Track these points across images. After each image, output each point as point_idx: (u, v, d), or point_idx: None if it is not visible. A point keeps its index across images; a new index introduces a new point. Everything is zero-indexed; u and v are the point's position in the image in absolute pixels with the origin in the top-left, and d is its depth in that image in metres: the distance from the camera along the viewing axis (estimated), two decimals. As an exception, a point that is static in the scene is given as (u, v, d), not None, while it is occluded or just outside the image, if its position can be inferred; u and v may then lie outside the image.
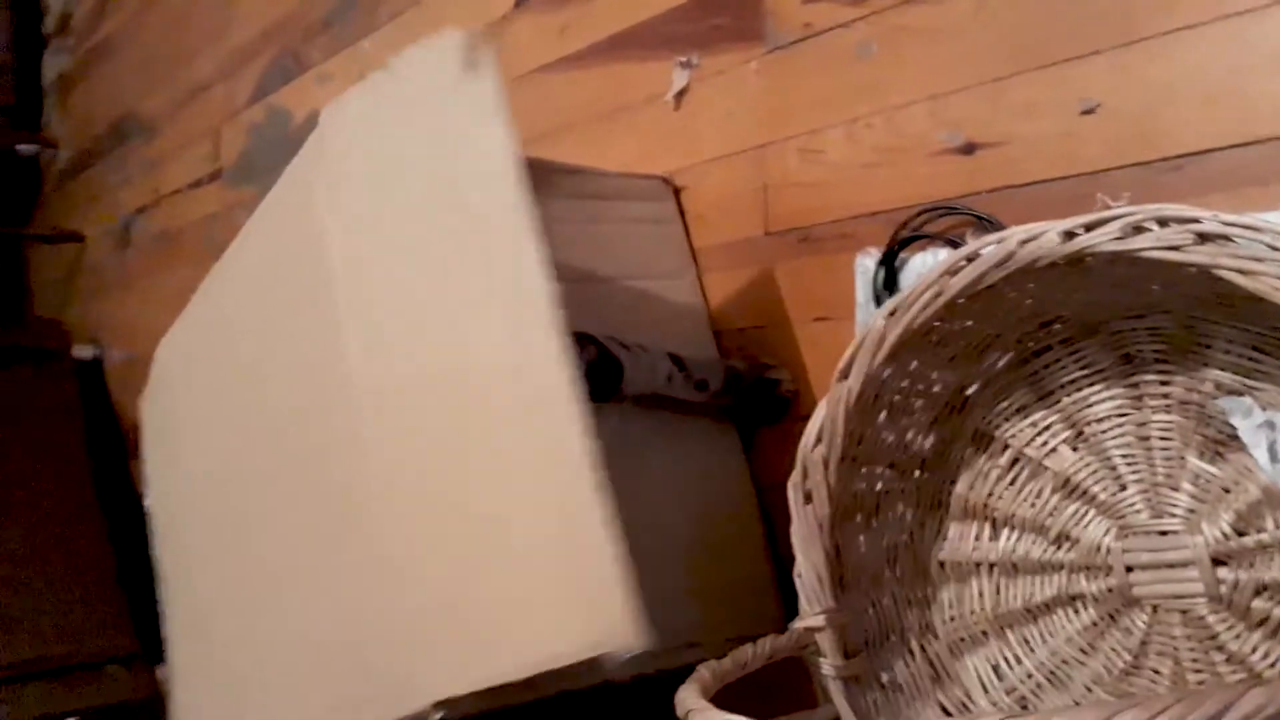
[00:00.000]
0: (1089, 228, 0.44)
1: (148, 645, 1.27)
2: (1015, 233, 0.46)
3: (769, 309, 0.73)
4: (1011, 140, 0.60)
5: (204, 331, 0.82)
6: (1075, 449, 0.54)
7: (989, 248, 0.47)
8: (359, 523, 0.60)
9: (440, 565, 0.55)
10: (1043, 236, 0.45)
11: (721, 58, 0.76)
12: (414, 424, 0.56)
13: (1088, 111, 0.58)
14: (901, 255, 0.62)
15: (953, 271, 0.47)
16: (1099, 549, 0.53)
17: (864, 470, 0.56)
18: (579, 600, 0.50)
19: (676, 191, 0.79)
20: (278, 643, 0.72)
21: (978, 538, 0.57)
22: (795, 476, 0.52)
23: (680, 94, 0.79)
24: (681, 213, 0.79)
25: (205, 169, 1.51)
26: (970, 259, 0.47)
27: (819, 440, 0.51)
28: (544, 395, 0.51)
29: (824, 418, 0.51)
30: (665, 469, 0.69)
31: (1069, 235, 0.44)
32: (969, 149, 0.62)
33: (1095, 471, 0.53)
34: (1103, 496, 0.53)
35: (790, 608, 0.71)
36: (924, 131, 0.64)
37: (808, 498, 0.52)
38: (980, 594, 0.57)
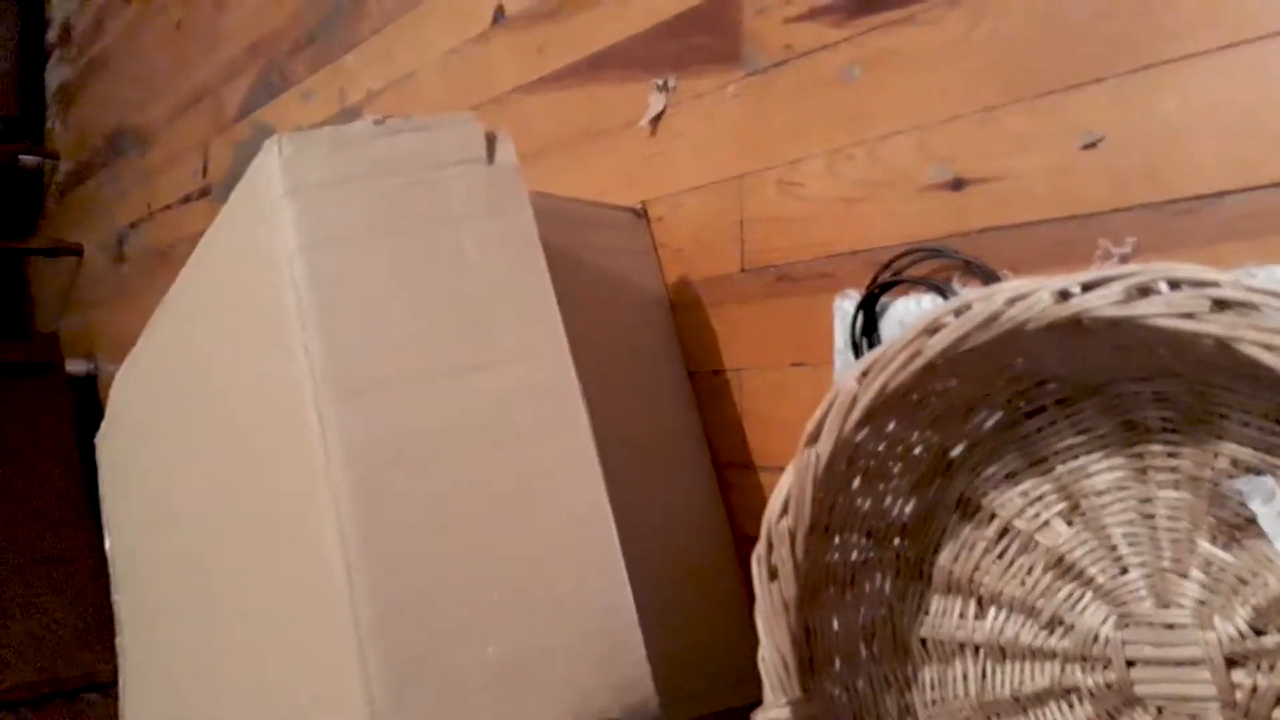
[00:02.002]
0: (1087, 288, 0.39)
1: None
2: (1002, 290, 0.41)
3: (745, 352, 0.68)
4: (1005, 176, 0.55)
5: (156, 366, 0.78)
6: (1070, 523, 0.49)
7: (973, 306, 0.42)
8: (327, 579, 0.55)
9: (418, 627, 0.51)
10: (1033, 296, 0.40)
11: (699, 80, 0.71)
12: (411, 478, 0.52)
13: (1089, 146, 0.52)
14: (883, 299, 0.57)
15: (932, 330, 0.42)
16: (1096, 638, 0.47)
17: (837, 539, 0.50)
18: (597, 661, 0.50)
19: (649, 223, 0.75)
20: (226, 700, 0.68)
21: (962, 615, 0.52)
22: (759, 549, 0.47)
23: (657, 118, 0.75)
24: (655, 245, 0.74)
25: (195, 184, 1.48)
26: (955, 315, 0.42)
27: (785, 511, 0.46)
28: (562, 452, 0.52)
29: (790, 486, 0.46)
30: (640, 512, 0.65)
31: (1063, 296, 0.39)
32: (958, 184, 0.57)
33: (1093, 550, 0.48)
34: (1101, 579, 0.47)
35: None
36: (910, 164, 0.59)
37: (773, 574, 0.47)
38: (965, 677, 0.52)
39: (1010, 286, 0.42)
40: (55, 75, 2.07)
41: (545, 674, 0.51)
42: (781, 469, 0.67)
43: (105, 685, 1.33)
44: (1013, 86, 0.55)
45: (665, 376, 0.71)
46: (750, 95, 0.68)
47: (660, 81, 0.74)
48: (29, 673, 1.29)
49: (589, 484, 0.54)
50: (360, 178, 0.56)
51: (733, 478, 0.69)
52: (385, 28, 1.06)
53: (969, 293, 0.42)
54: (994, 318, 0.41)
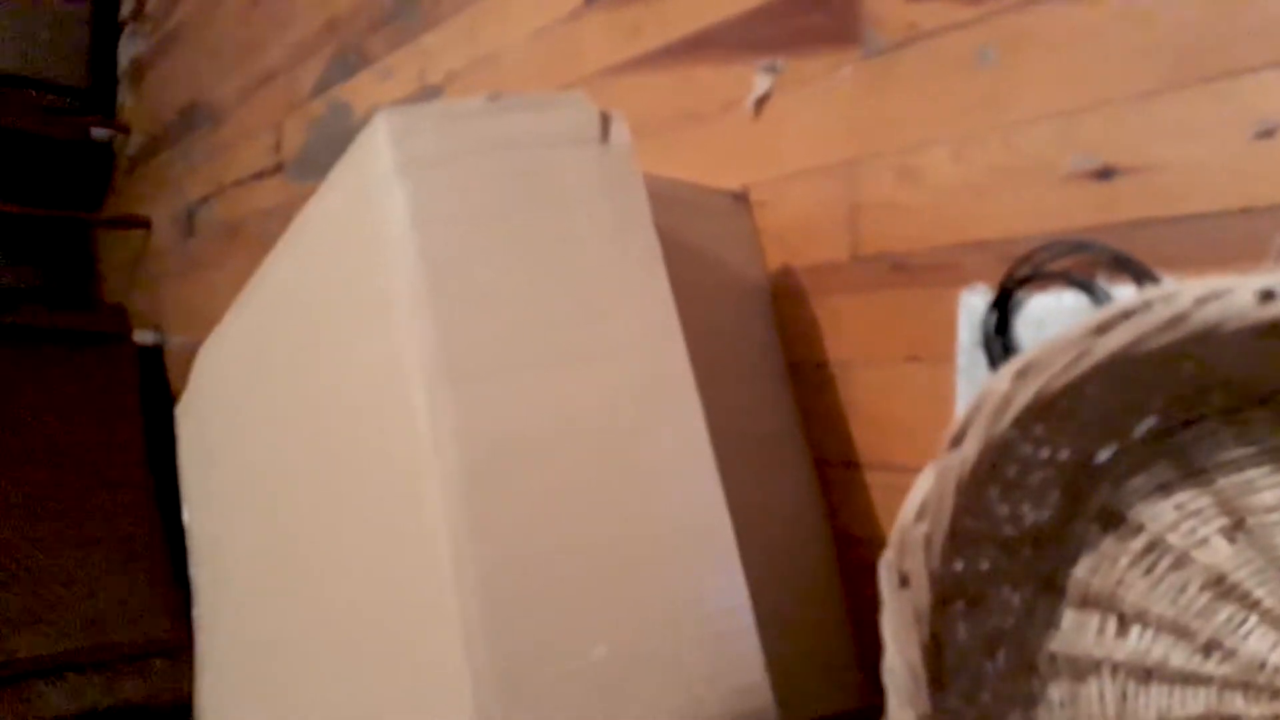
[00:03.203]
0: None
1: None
2: (1189, 288, 0.38)
3: (853, 344, 0.65)
4: (1161, 166, 0.51)
5: (245, 343, 0.77)
6: (1233, 541, 0.45)
7: (1154, 305, 0.38)
8: (433, 572, 0.53)
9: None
10: (1228, 297, 0.37)
11: (811, 62, 0.68)
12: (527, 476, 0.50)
13: (1264, 134, 0.48)
14: (1017, 295, 0.54)
15: (1103, 329, 0.39)
16: (1263, 666, 0.44)
17: (969, 549, 0.48)
18: (712, 666, 0.48)
19: (751, 208, 0.72)
20: (314, 686, 0.67)
21: (1100, 631, 0.49)
22: (889, 555, 0.44)
23: (761, 100, 0.72)
24: (756, 231, 0.72)
25: (268, 161, 1.48)
26: (1127, 315, 0.39)
27: (921, 515, 0.43)
28: (677, 447, 0.50)
29: (929, 490, 0.43)
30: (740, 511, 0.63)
31: (1268, 297, 0.36)
32: (1105, 174, 0.53)
33: (1260, 571, 0.44)
34: (1269, 602, 0.44)
35: (873, 678, 0.63)
36: (1049, 152, 0.55)
37: (904, 581, 0.44)
38: (1101, 697, 0.49)
39: (1199, 285, 0.38)
40: (128, 49, 2.09)
41: (657, 677, 0.49)
42: (890, 468, 0.64)
43: (173, 651, 1.34)
44: (1174, 70, 0.51)
45: (765, 368, 0.69)
46: (867, 78, 0.65)
47: (767, 63, 0.71)
48: (95, 636, 1.31)
49: (705, 482, 0.52)
50: (472, 156, 0.54)
51: (834, 476, 0.66)
52: (468, 6, 1.04)
53: (1148, 291, 0.39)
54: (1180, 318, 0.38)
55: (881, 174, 0.64)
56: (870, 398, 0.64)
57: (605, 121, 0.56)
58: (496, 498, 0.49)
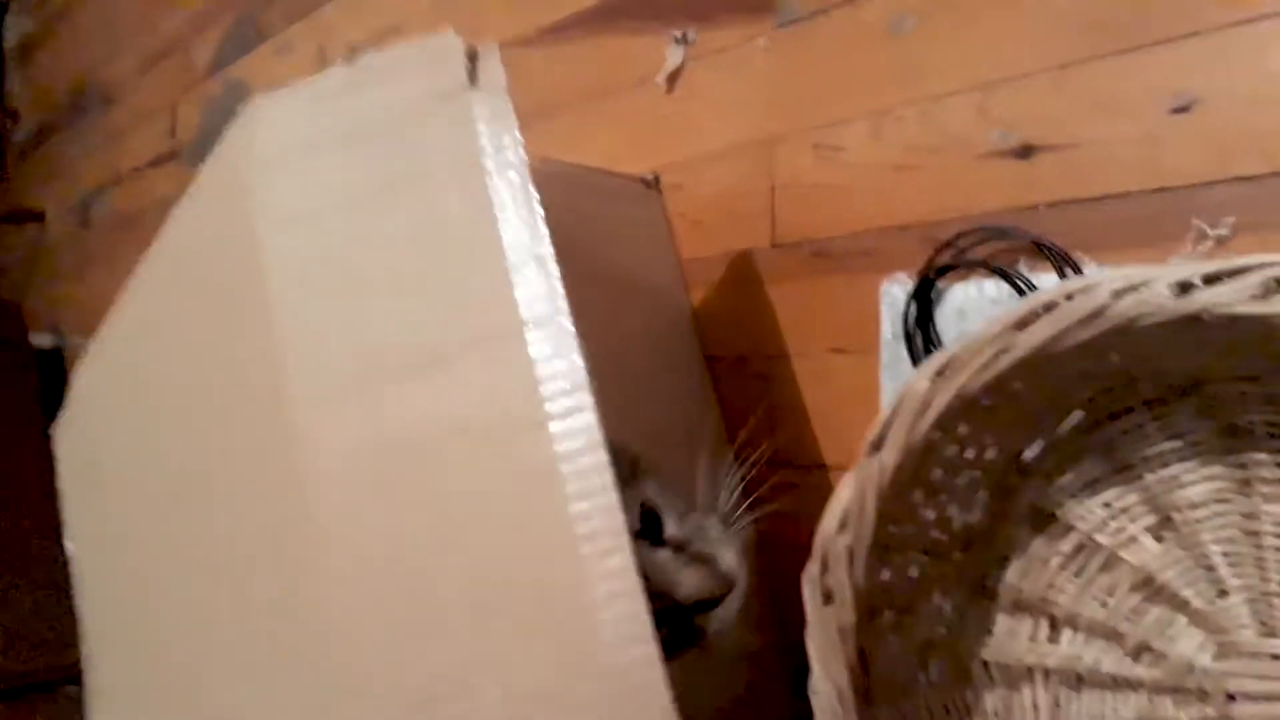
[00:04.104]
0: (1211, 279, 0.33)
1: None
2: (1106, 279, 0.35)
3: (774, 336, 0.62)
4: (1080, 143, 0.49)
5: (124, 353, 0.71)
6: (1160, 539, 0.43)
7: (1072, 297, 0.36)
8: (314, 611, 0.48)
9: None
10: (1145, 288, 0.34)
11: (723, 32, 0.64)
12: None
13: (1180, 109, 0.46)
14: (938, 285, 0.51)
15: (1022, 324, 0.36)
16: (1191, 669, 0.42)
17: (896, 557, 0.45)
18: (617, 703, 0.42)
19: (661, 193, 0.68)
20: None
21: (1033, 637, 0.47)
22: (812, 569, 0.41)
23: (674, 75, 0.67)
24: (668, 217, 0.68)
25: (164, 146, 1.39)
26: (1046, 308, 0.36)
27: (843, 526, 0.40)
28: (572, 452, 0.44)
29: (850, 499, 0.40)
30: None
31: (1184, 289, 0.33)
32: (1025, 152, 0.51)
33: (1187, 570, 0.43)
34: (1197, 603, 0.42)
35: (796, 672, 0.60)
36: (969, 128, 0.52)
37: (827, 597, 0.41)
38: (1035, 705, 0.47)
39: (1116, 276, 0.36)
40: (14, 28, 1.95)
41: (557, 717, 0.45)
42: (816, 467, 0.61)
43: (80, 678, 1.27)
44: (1092, 41, 0.48)
45: (679, 363, 0.65)
46: (783, 48, 0.61)
47: (678, 33, 0.67)
48: (2, 663, 1.23)
49: (600, 490, 0.48)
50: (337, 141, 0.48)
51: (757, 476, 0.63)
52: (368, -25, 0.97)
53: (1067, 283, 0.37)
54: (1098, 313, 0.35)
55: (800, 153, 0.60)
56: (794, 392, 0.61)
57: (473, 60, 0.49)
58: (377, 519, 0.45)
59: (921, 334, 0.50)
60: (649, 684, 0.43)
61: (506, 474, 0.46)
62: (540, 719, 0.43)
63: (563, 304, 0.47)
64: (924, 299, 0.51)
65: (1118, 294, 0.35)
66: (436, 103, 0.48)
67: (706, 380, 0.65)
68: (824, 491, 0.60)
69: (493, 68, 0.48)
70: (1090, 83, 0.49)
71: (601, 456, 0.46)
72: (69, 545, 0.80)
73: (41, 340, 1.62)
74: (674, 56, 0.67)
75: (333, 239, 0.47)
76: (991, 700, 0.47)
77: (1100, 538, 0.45)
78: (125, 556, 0.73)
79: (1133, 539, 0.44)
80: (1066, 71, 0.49)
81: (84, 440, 0.79)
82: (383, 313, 0.46)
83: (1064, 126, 0.49)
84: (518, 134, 0.48)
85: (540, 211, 0.48)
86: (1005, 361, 0.37)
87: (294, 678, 0.51)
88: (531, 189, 0.48)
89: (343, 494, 0.45)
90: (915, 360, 0.51)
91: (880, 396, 0.54)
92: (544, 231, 0.47)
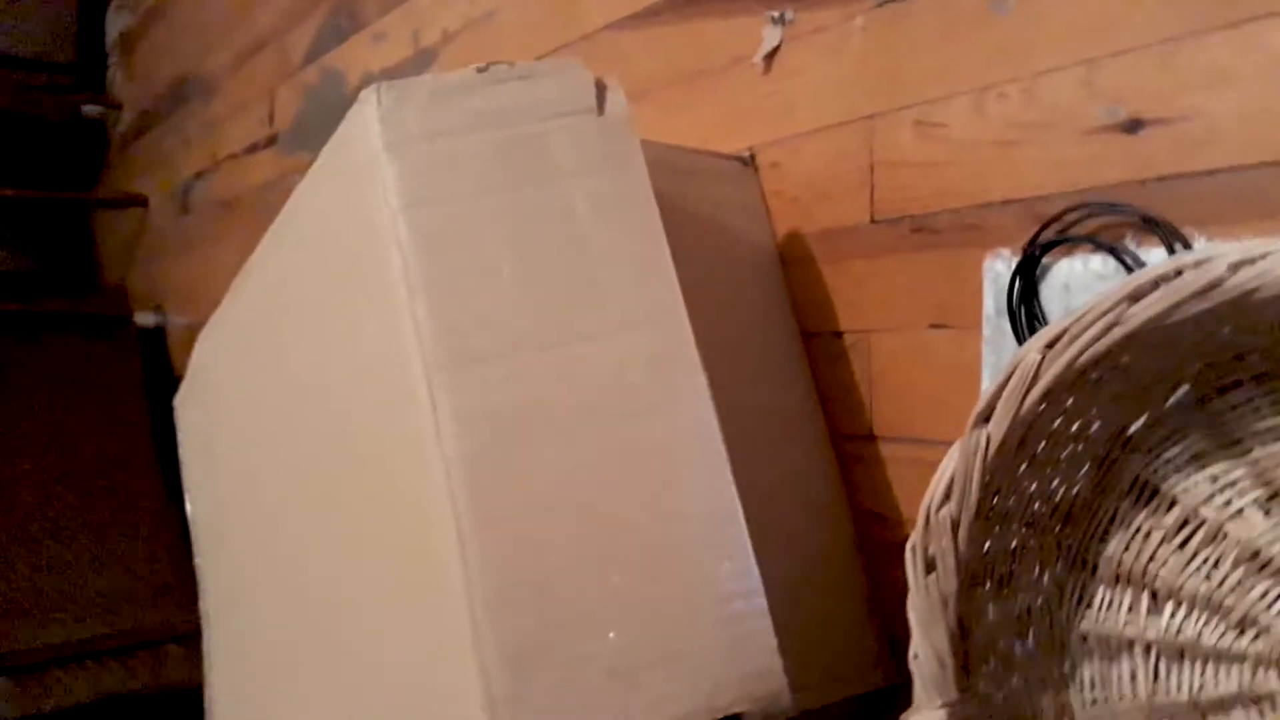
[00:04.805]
0: (1336, 249, 0.33)
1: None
2: (1224, 253, 0.35)
3: (872, 311, 0.63)
4: (1191, 116, 0.48)
5: (242, 330, 0.75)
6: (1269, 514, 0.43)
7: (1186, 271, 0.36)
8: (439, 560, 0.51)
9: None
10: (1262, 261, 0.34)
11: (821, 12, 0.65)
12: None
13: (1297, 80, 0.45)
14: (1043, 261, 0.51)
15: (1136, 297, 0.37)
16: (1300, 642, 0.42)
17: (997, 528, 0.46)
18: (725, 651, 0.47)
19: (758, 171, 0.69)
20: (323, 678, 0.66)
21: (1132, 609, 0.47)
22: (915, 538, 0.43)
23: (771, 55, 0.68)
24: (764, 195, 0.69)
25: (261, 133, 1.45)
26: (1160, 282, 0.37)
27: (947, 497, 0.42)
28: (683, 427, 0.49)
29: (955, 469, 0.41)
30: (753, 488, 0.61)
31: (1307, 259, 0.33)
32: (1133, 126, 0.50)
33: (1298, 544, 0.42)
34: (1308, 577, 0.42)
35: (893, 647, 0.62)
36: (1074, 104, 0.52)
37: (929, 566, 0.42)
38: (1133, 676, 0.47)
39: (1234, 250, 0.36)
40: (115, 23, 2.05)
41: (669, 663, 0.47)
42: (914, 441, 0.62)
43: (185, 637, 1.35)
44: (1202, 14, 0.48)
45: (777, 340, 0.66)
46: (881, 27, 0.61)
47: (775, 14, 0.68)
48: (106, 624, 1.31)
49: (712, 462, 0.50)
50: (463, 131, 0.52)
51: (854, 450, 0.64)
52: (461, -36, 1.00)
53: (1182, 256, 0.37)
54: (1214, 284, 0.36)
55: (899, 130, 0.61)
56: (891, 367, 0.62)
57: (601, 90, 0.53)
58: (501, 482, 0.48)
59: (1025, 310, 0.51)
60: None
61: (627, 449, 0.49)
62: (658, 658, 0.46)
63: (677, 298, 0.51)
64: (1029, 275, 0.51)
65: (1235, 266, 0.35)
66: (566, 118, 0.52)
67: (802, 356, 0.66)
68: (920, 466, 0.61)
69: (617, 100, 0.52)
70: (1199, 56, 0.48)
71: (715, 437, 0.49)
72: (189, 508, 0.85)
73: (145, 320, 1.71)
74: (771, 36, 0.68)
75: (461, 220, 0.49)
76: (1089, 671, 0.48)
77: (1205, 511, 0.45)
78: (241, 520, 0.78)
79: (1239, 513, 0.44)
80: (1175, 45, 0.49)
81: (202, 410, 0.84)
82: (510, 292, 0.49)
83: (1173, 101, 0.49)
84: (640, 153, 0.52)
85: (658, 217, 0.51)
86: (1117, 334, 0.38)
87: (404, 625, 0.54)
88: (652, 201, 0.51)
89: (463, 452, 0.48)
90: (1019, 336, 0.51)
91: (982, 372, 0.54)
92: (662, 237, 0.51)
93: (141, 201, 1.85)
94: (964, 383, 0.56)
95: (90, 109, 2.00)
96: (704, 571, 0.49)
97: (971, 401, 0.54)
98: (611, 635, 0.48)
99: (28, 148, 1.93)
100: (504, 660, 0.46)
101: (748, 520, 0.50)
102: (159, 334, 1.71)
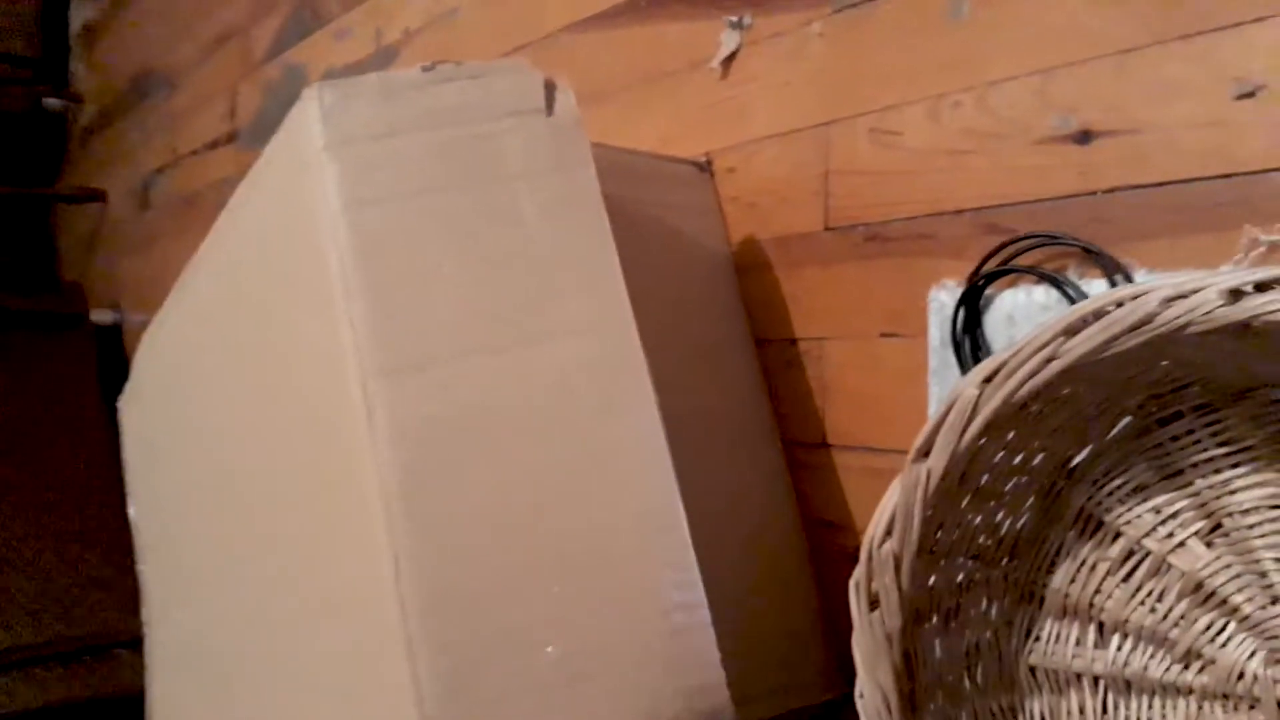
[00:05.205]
0: (1262, 286, 0.32)
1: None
2: (1157, 288, 0.34)
3: (826, 319, 0.61)
4: (1141, 128, 0.47)
5: (185, 330, 0.73)
6: (1210, 545, 0.42)
7: (1122, 304, 0.35)
8: (374, 570, 0.49)
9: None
10: (1195, 295, 0.33)
11: (779, 17, 0.63)
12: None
13: (1245, 95, 0.44)
14: (987, 291, 0.50)
15: (1071, 331, 0.36)
16: (1242, 675, 0.41)
17: (942, 562, 0.44)
18: (667, 663, 0.46)
19: (714, 176, 0.67)
20: (262, 688, 0.64)
21: (1080, 642, 0.46)
22: (858, 574, 0.41)
23: (729, 59, 0.67)
24: (720, 201, 0.67)
25: (222, 129, 1.41)
26: (1095, 316, 0.35)
27: (889, 533, 0.40)
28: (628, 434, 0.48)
29: (895, 505, 0.40)
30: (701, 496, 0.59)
31: (1234, 295, 0.32)
32: (1084, 137, 0.49)
33: (1238, 576, 0.41)
34: (1248, 609, 0.41)
35: (842, 658, 0.60)
36: (1027, 113, 0.51)
37: (873, 603, 0.41)
38: (1082, 710, 0.46)
39: (1166, 283, 0.35)
40: (78, 15, 2.01)
41: (610, 676, 0.46)
42: (865, 449, 0.61)
43: (137, 642, 1.31)
44: (1154, 26, 0.47)
45: (729, 345, 0.65)
46: (838, 33, 0.60)
47: (734, 19, 0.66)
48: (57, 627, 1.27)
49: (656, 470, 0.48)
50: (408, 131, 0.50)
51: (806, 457, 0.63)
52: (422, -40, 0.98)
53: (1117, 290, 0.36)
54: (1148, 320, 0.35)
55: (855, 137, 0.59)
56: (844, 375, 0.60)
57: (550, 91, 0.51)
58: (435, 490, 0.46)
59: (970, 340, 0.50)
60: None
61: (569, 457, 0.47)
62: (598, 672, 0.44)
63: (624, 303, 0.49)
64: (972, 305, 0.50)
65: (1167, 301, 0.34)
66: (513, 119, 0.50)
67: (755, 362, 0.65)
68: (872, 475, 0.59)
69: (567, 101, 0.50)
70: (1153, 68, 0.47)
71: (661, 444, 0.48)
72: (131, 511, 0.82)
73: (102, 317, 1.67)
74: (729, 41, 0.66)
75: (403, 221, 0.48)
76: (1038, 705, 0.46)
77: (1149, 543, 0.44)
78: (183, 524, 0.76)
79: (1182, 545, 0.43)
80: (1128, 57, 0.48)
81: (146, 411, 0.82)
82: (452, 295, 0.47)
83: (1125, 112, 0.48)
84: (589, 155, 0.50)
85: (606, 221, 0.49)
86: (1054, 368, 0.36)
87: (339, 637, 0.52)
88: (600, 204, 0.49)
89: (399, 460, 0.46)
90: (963, 367, 0.50)
91: (929, 402, 0.53)
92: (610, 241, 0.49)
93: (100, 196, 1.81)
94: (913, 391, 0.55)
95: (52, 102, 1.96)
96: (646, 582, 0.47)
97: (921, 412, 0.53)
98: (549, 649, 0.46)
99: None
100: (438, 676, 0.44)
101: (694, 529, 0.48)
102: (116, 331, 1.67)
